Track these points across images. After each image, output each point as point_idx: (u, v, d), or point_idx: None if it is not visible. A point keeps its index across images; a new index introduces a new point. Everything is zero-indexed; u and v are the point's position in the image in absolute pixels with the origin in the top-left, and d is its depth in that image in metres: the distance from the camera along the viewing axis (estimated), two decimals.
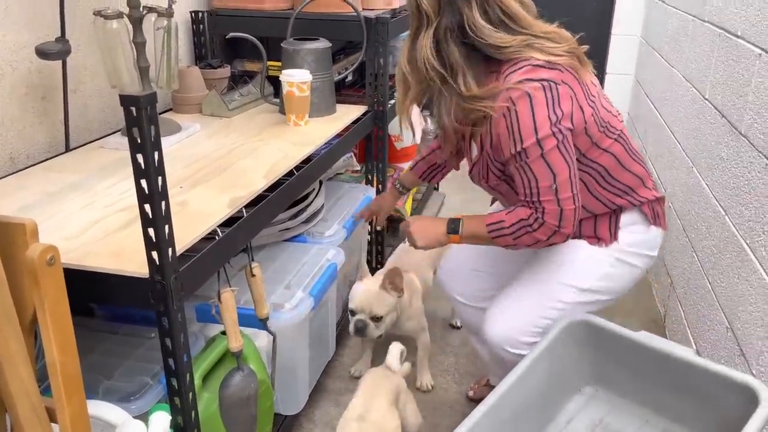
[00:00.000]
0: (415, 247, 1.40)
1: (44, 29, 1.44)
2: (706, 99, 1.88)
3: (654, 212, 1.37)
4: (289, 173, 1.43)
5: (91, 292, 1.02)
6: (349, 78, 2.19)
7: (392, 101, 2.12)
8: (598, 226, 1.36)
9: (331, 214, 1.87)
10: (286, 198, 1.43)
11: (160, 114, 1.80)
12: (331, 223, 1.81)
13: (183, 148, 1.55)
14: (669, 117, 2.37)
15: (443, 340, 2.05)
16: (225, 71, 1.93)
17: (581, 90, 1.22)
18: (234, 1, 1.98)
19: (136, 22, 1.48)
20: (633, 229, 1.36)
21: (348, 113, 1.90)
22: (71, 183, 1.31)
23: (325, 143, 1.66)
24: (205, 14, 1.99)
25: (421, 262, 1.91)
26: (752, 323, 1.35)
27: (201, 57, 2.03)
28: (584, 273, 1.36)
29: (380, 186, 2.12)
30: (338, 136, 1.77)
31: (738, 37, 1.64)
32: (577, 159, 1.24)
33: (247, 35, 1.74)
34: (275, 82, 1.82)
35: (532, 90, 1.17)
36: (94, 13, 1.46)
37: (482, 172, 1.35)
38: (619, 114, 1.34)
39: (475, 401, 1.78)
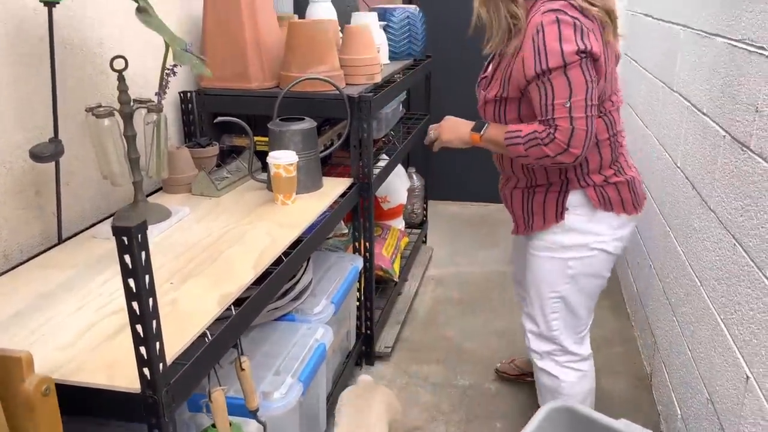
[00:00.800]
0: (440, 139, 1.66)
1: (37, 129, 1.49)
2: (678, 167, 1.94)
3: (602, 196, 1.52)
4: (278, 260, 1.47)
5: (82, 405, 1.04)
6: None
7: (377, 170, 2.19)
8: (547, 205, 1.55)
9: (319, 288, 1.91)
10: (275, 289, 1.47)
11: (150, 195, 1.86)
12: (319, 298, 1.84)
13: (173, 234, 1.59)
14: (645, 176, 2.42)
15: (435, 407, 2.07)
16: (213, 149, 1.98)
17: (603, 49, 1.38)
18: (221, 81, 2.04)
19: (127, 117, 1.54)
20: (578, 211, 1.53)
21: (334, 187, 1.95)
22: (64, 281, 1.35)
23: (313, 222, 1.71)
24: (194, 94, 2.06)
25: (376, 422, 1.63)
26: (729, 400, 1.38)
27: (190, 135, 2.09)
28: (552, 283, 1.59)
29: (367, 254, 2.17)
30: (329, 210, 1.82)
31: (704, 114, 1.70)
32: None
33: (235, 119, 1.81)
34: (263, 157, 1.87)
35: (563, 22, 1.32)
36: (86, 110, 1.51)
37: (484, 80, 1.58)
38: (618, 94, 1.51)
39: (499, 372, 2.22)
